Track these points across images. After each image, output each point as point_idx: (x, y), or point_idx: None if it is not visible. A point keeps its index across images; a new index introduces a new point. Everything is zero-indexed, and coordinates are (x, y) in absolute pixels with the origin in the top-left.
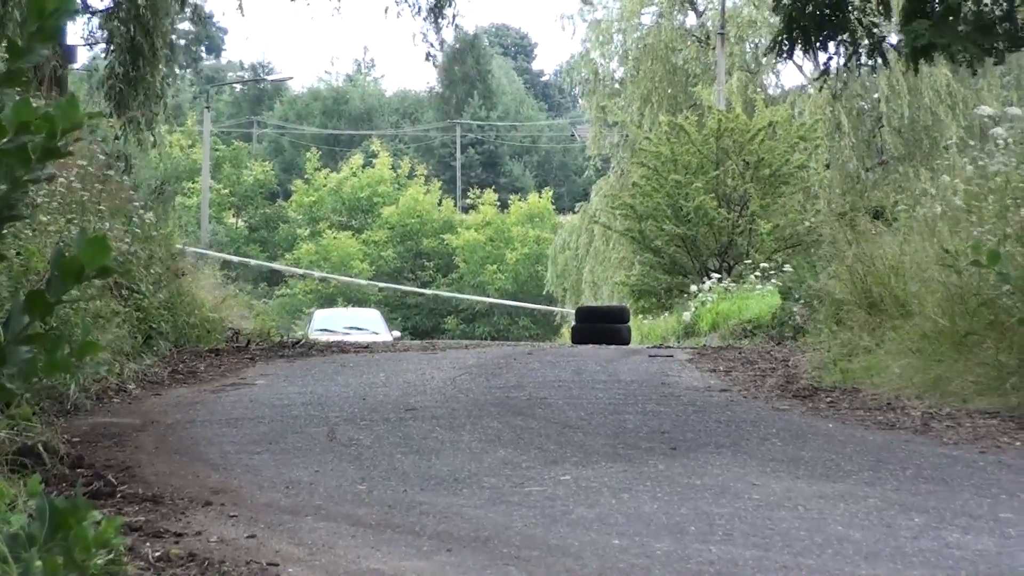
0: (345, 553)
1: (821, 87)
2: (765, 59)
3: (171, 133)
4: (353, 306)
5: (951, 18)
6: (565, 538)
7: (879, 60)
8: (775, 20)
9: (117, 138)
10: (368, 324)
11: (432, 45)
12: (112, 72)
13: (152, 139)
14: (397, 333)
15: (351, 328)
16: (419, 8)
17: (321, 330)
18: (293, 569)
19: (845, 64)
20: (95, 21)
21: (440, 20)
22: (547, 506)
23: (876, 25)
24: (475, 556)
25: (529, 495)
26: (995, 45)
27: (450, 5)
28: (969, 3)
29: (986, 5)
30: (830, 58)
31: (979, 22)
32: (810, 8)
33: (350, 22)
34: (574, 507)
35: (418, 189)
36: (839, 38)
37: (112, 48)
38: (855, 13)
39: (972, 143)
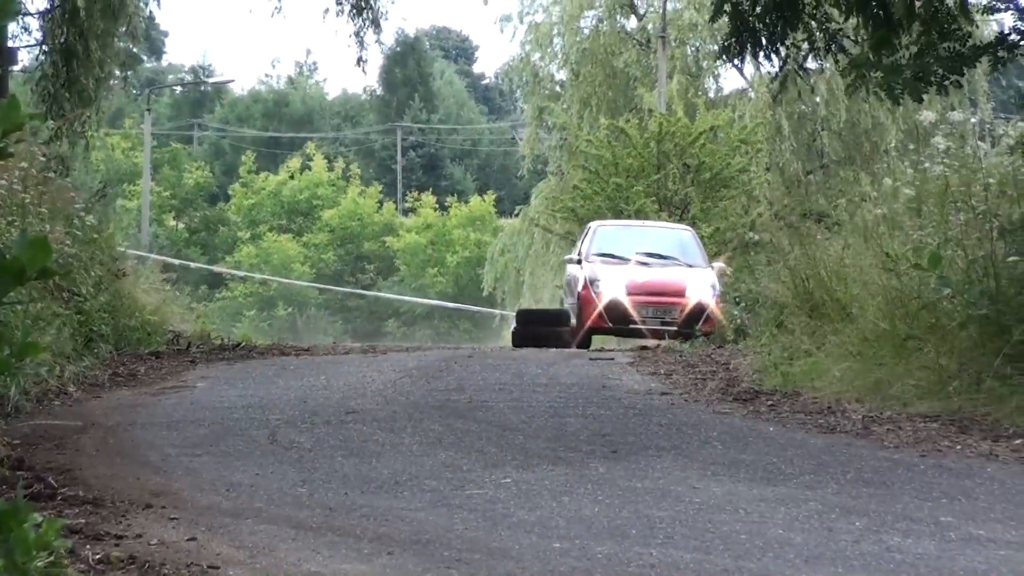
0: (286, 555)
1: (779, 90)
2: (705, 63)
3: (109, 136)
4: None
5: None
6: (506, 541)
7: (835, 59)
8: (717, 24)
9: (51, 140)
10: (676, 251)
11: (363, 47)
12: (44, 73)
13: (85, 141)
14: (720, 265)
15: (651, 257)
16: (348, 9)
17: (602, 256)
18: (234, 571)
19: (800, 64)
20: (35, 23)
21: (365, 19)
22: (488, 509)
23: (829, 20)
24: (416, 559)
25: (470, 498)
26: (937, 72)
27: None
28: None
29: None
30: (785, 64)
31: (923, 44)
32: (759, 8)
33: (292, 25)
34: (515, 510)
35: (355, 191)
36: (791, 39)
37: (46, 49)
38: (808, 9)
39: (912, 147)
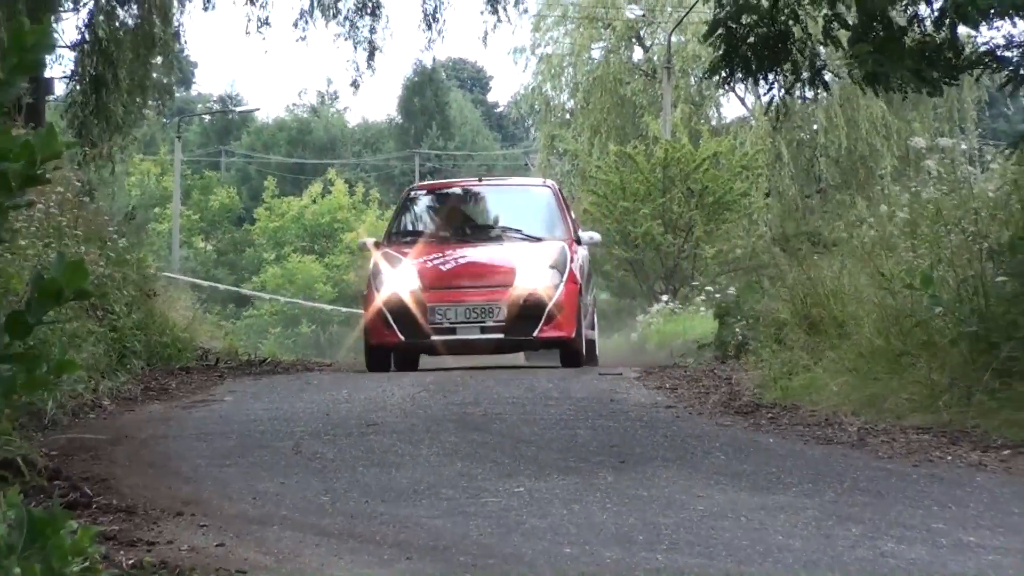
0: (310, 561)
1: (777, 118)
2: (708, 92)
3: (142, 162)
4: None
5: (894, 45)
6: (519, 547)
7: (821, 89)
8: (719, 54)
9: (79, 166)
10: (521, 220)
11: (358, 72)
12: (75, 101)
13: (112, 167)
14: (592, 235)
15: (478, 230)
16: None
17: (409, 236)
18: None
19: (786, 92)
20: (68, 54)
21: (362, 46)
22: (502, 517)
23: (818, 56)
24: (433, 564)
25: (485, 506)
26: (934, 75)
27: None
28: (914, 29)
29: (929, 34)
30: (771, 90)
31: (923, 49)
32: (752, 38)
33: (314, 56)
34: (528, 517)
35: (374, 215)
36: (780, 69)
37: (77, 79)
38: (796, 44)
39: (906, 172)
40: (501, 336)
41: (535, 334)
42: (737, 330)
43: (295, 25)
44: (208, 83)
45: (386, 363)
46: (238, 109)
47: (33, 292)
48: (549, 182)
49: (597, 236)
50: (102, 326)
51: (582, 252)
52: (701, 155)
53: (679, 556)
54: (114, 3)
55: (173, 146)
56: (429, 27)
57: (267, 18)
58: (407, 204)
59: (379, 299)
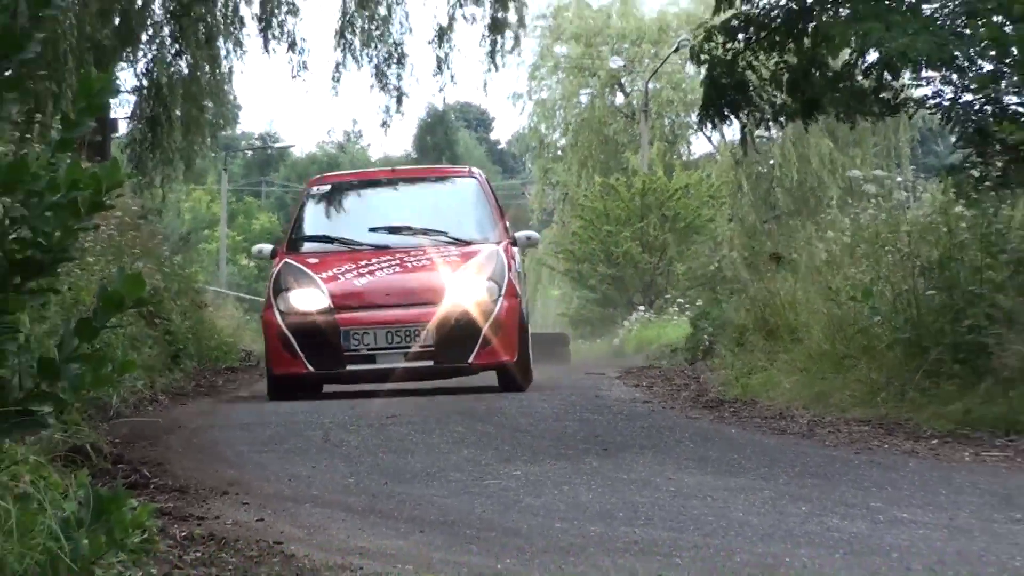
0: (337, 533)
1: (743, 153)
2: (680, 131)
3: (194, 191)
4: None
5: (829, 86)
6: (517, 522)
7: (779, 126)
8: (689, 98)
9: (135, 194)
10: (443, 220)
11: (388, 114)
12: (134, 139)
13: (164, 195)
14: (529, 234)
15: (395, 234)
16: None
17: (313, 242)
18: (295, 547)
19: (745, 130)
20: (132, 98)
21: (391, 94)
22: (502, 496)
23: (775, 98)
24: (443, 536)
25: (487, 487)
26: (872, 109)
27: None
28: (844, 75)
29: (857, 80)
30: (744, 127)
31: (854, 90)
32: (721, 86)
33: (343, 100)
34: (524, 497)
35: None
36: (745, 111)
37: (136, 119)
38: (755, 91)
39: (849, 200)
40: (429, 363)
41: (470, 360)
42: (704, 336)
43: (333, 78)
44: (251, 123)
45: (292, 394)
46: (276, 145)
47: (98, 302)
48: (475, 170)
49: (536, 235)
50: (158, 331)
51: (518, 257)
52: (674, 186)
53: (654, 530)
54: (169, 54)
55: (221, 177)
56: (440, 71)
57: (305, 63)
58: (309, 202)
59: (282, 321)
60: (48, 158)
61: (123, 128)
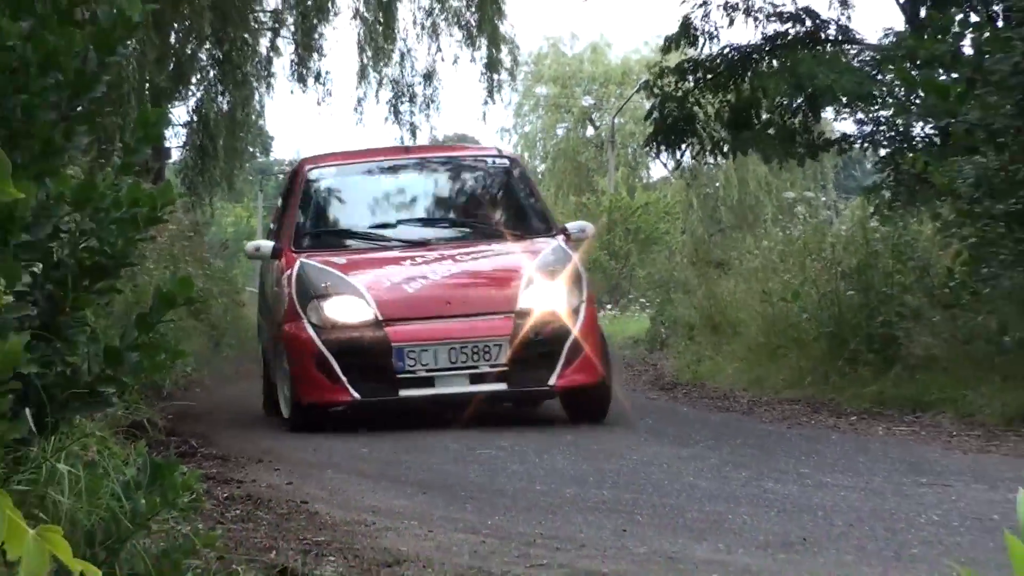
0: (354, 494)
1: (682, 175)
2: (641, 159)
3: (235, 208)
4: None
5: (763, 128)
6: (504, 485)
7: (718, 155)
8: (649, 131)
9: (187, 211)
10: (479, 206)
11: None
12: (185, 164)
13: (211, 212)
14: (583, 225)
15: (429, 227)
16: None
17: (326, 237)
18: (319, 505)
19: (694, 158)
20: (183, 130)
21: (404, 126)
22: (491, 464)
23: (717, 132)
24: (443, 497)
25: (479, 456)
26: (798, 150)
27: (420, 115)
28: (775, 118)
29: (789, 119)
30: (682, 155)
31: (783, 133)
32: (670, 120)
33: (364, 130)
34: (510, 464)
35: None
36: (688, 141)
37: (187, 148)
38: (700, 125)
39: (781, 217)
40: (502, 387)
41: (552, 382)
42: (661, 330)
43: (355, 110)
44: (281, 150)
45: (321, 424)
46: None
47: (154, 300)
48: (506, 150)
49: (590, 226)
50: (204, 325)
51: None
52: (636, 204)
53: (619, 492)
54: (215, 93)
55: (257, 196)
56: (428, 108)
57: (330, 90)
58: (311, 188)
59: (317, 337)
60: (112, 180)
61: (176, 155)
